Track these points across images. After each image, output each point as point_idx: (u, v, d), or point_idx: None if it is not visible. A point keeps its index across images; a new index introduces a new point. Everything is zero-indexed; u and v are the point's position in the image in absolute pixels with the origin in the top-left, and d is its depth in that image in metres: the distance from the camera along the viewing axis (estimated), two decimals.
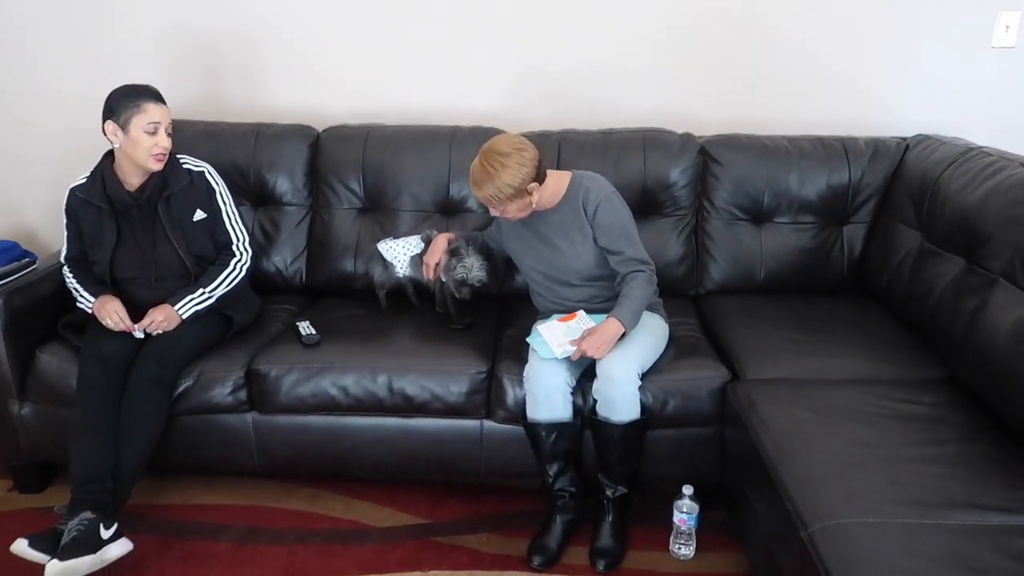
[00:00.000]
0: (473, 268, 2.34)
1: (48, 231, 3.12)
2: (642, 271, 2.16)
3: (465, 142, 2.68)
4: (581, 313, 2.20)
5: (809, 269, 2.67)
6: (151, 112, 2.20)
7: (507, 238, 2.37)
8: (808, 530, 1.48)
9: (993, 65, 2.80)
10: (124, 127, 2.18)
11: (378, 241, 2.56)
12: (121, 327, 2.19)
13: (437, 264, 2.37)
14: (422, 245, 2.47)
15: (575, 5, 2.81)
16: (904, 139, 2.71)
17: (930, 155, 2.51)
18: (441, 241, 2.41)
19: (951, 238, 2.24)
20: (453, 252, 2.36)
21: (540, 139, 2.68)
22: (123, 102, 2.18)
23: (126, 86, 2.23)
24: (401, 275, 2.49)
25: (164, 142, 2.22)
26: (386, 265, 2.50)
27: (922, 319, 2.28)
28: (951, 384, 2.03)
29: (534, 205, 2.15)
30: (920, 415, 1.86)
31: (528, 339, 2.18)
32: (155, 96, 2.23)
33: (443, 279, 2.39)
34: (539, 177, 2.11)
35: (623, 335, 2.08)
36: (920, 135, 2.70)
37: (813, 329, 2.35)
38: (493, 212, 2.18)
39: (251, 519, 2.29)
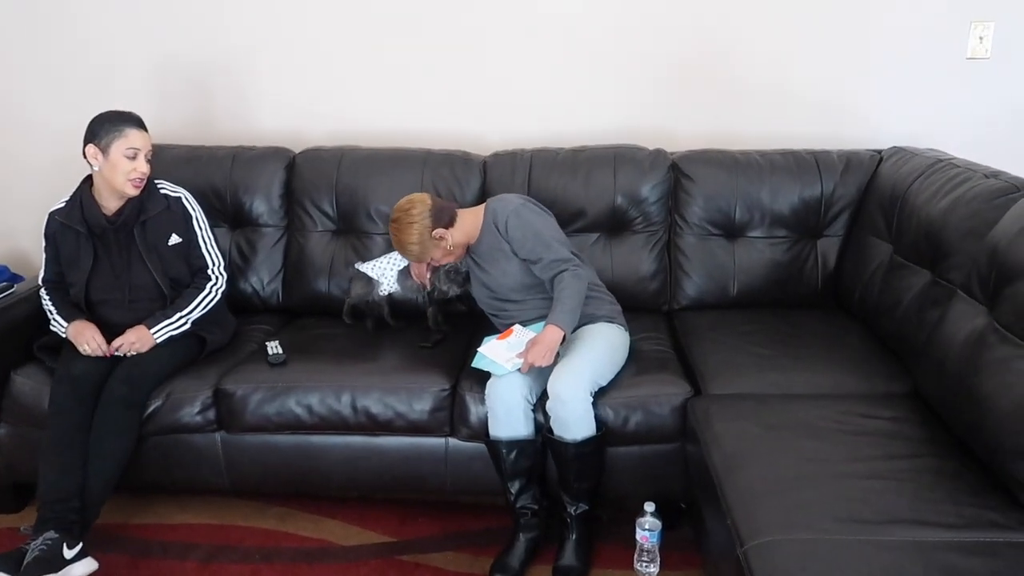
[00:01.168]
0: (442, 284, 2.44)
1: (39, 255, 3.18)
2: (566, 270, 2.18)
3: (438, 166, 2.71)
4: (517, 327, 2.22)
5: (783, 283, 2.66)
6: (132, 138, 2.25)
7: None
8: (743, 547, 1.47)
9: (968, 76, 2.78)
10: (104, 151, 2.24)
11: (354, 264, 2.58)
12: (99, 352, 2.24)
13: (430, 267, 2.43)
14: (403, 262, 2.50)
15: (547, 24, 2.84)
16: (879, 152, 2.70)
17: (901, 167, 2.50)
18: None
19: (918, 250, 2.22)
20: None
21: (512, 158, 2.73)
22: (105, 127, 2.25)
23: (110, 112, 2.29)
24: (386, 292, 2.52)
25: (143, 168, 2.28)
26: (369, 283, 2.53)
27: (890, 332, 2.27)
28: (913, 398, 2.01)
29: (452, 247, 2.27)
30: (876, 430, 1.84)
31: (473, 364, 2.20)
32: (137, 123, 2.29)
33: (437, 284, 2.47)
34: (443, 223, 2.23)
35: (564, 337, 2.10)
36: (895, 147, 2.68)
37: (782, 343, 2.34)
38: (414, 271, 2.38)
39: (220, 538, 2.31)
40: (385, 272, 2.52)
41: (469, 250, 2.36)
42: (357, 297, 2.57)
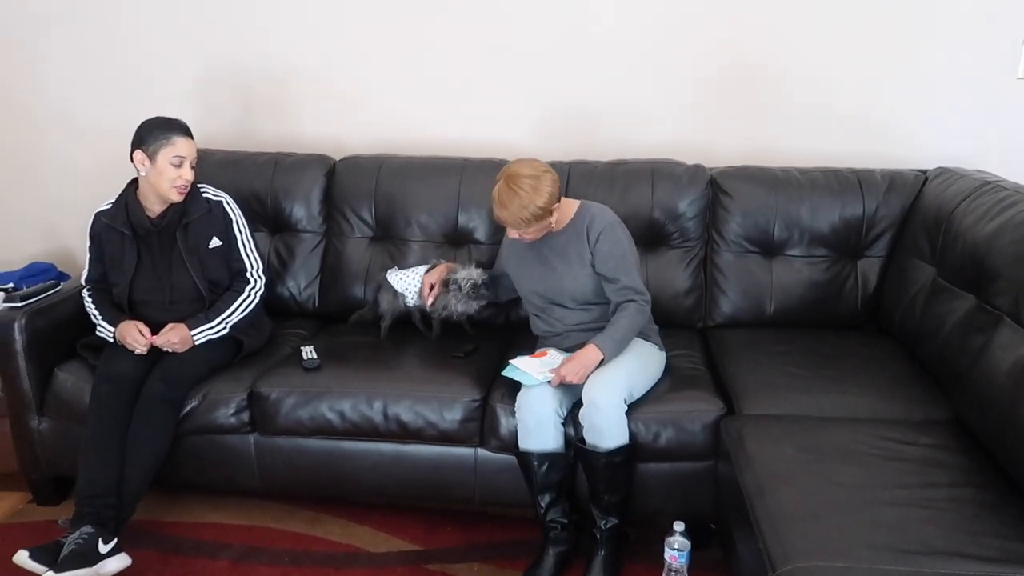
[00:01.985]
0: (472, 272, 2.39)
1: (84, 255, 3.26)
2: (634, 300, 2.17)
3: (475, 174, 2.72)
4: (552, 351, 2.22)
5: (821, 303, 2.62)
6: (179, 146, 2.30)
7: (510, 262, 2.40)
8: (775, 572, 1.44)
9: (1018, 96, 2.72)
10: (152, 157, 2.29)
11: (386, 271, 2.59)
12: (145, 345, 2.28)
13: (432, 288, 2.43)
14: None
15: (587, 36, 2.84)
16: (924, 172, 2.65)
17: (947, 188, 2.45)
18: (439, 270, 2.46)
19: (963, 274, 2.17)
20: (444, 284, 2.41)
21: (553, 169, 2.72)
22: (154, 133, 2.30)
23: (158, 118, 2.34)
24: (411, 304, 2.53)
25: (188, 175, 2.32)
26: (396, 295, 2.54)
27: (931, 357, 2.22)
28: (954, 425, 1.96)
29: (553, 226, 2.20)
30: (915, 456, 1.80)
31: (504, 372, 2.20)
32: (184, 131, 2.34)
33: (439, 314, 2.47)
34: (558, 199, 2.17)
35: (602, 362, 2.09)
36: (940, 168, 2.63)
37: (818, 364, 2.30)
38: (512, 234, 2.22)
39: (251, 539, 2.33)
40: (409, 286, 2.50)
41: (541, 238, 2.26)
42: (389, 307, 2.56)
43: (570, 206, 2.28)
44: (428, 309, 2.48)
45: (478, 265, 2.47)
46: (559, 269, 2.27)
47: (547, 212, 2.13)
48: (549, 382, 2.11)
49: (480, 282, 2.38)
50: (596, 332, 2.16)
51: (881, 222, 2.60)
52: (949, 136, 2.77)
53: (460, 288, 2.37)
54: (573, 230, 2.26)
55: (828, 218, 2.60)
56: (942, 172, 2.58)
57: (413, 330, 2.59)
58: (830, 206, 2.60)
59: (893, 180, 2.62)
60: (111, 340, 2.35)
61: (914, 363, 2.29)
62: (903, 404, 2.09)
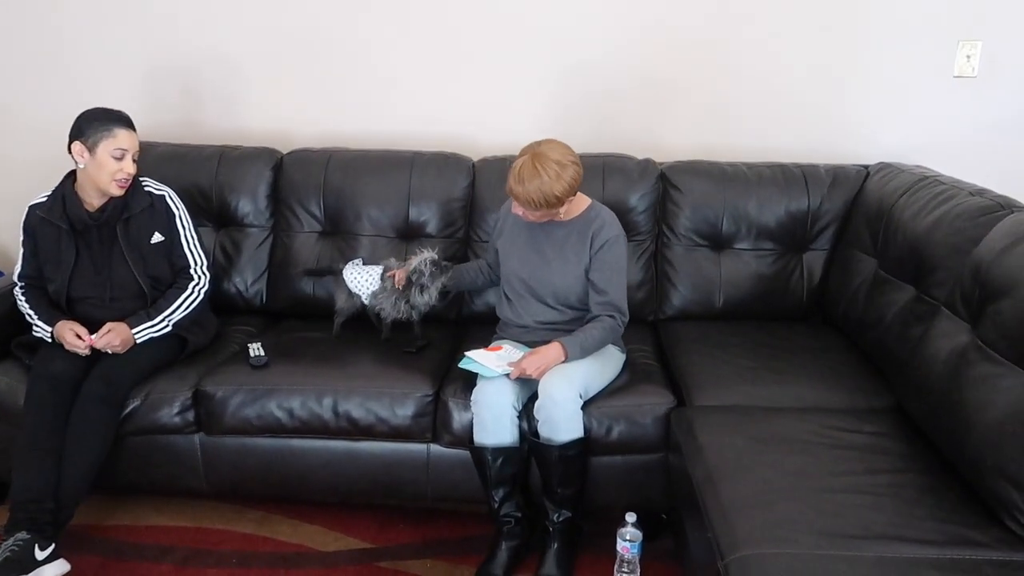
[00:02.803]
0: (428, 257, 2.33)
1: (18, 251, 3.15)
2: (612, 317, 2.17)
3: (426, 168, 2.70)
4: (507, 345, 2.22)
5: (769, 295, 2.66)
6: (121, 139, 2.22)
7: (503, 233, 2.35)
8: (724, 560, 1.46)
9: (955, 94, 2.81)
10: (92, 149, 2.21)
11: (344, 265, 2.52)
12: (83, 346, 2.20)
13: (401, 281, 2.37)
14: (378, 282, 2.42)
15: (538, 32, 2.84)
16: (866, 167, 2.71)
17: (888, 183, 2.51)
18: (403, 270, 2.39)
19: (903, 266, 2.23)
20: (408, 283, 2.35)
21: (502, 163, 2.71)
22: (94, 125, 2.21)
23: (98, 109, 2.26)
24: (365, 302, 2.47)
25: (129, 168, 2.25)
26: (351, 294, 2.48)
27: (874, 347, 2.27)
28: (896, 413, 2.01)
29: (561, 216, 2.18)
30: (859, 444, 1.84)
31: (460, 364, 2.19)
32: (126, 123, 2.26)
33: (396, 315, 2.40)
34: (576, 191, 2.15)
35: (563, 361, 2.09)
36: (882, 163, 2.70)
37: (766, 356, 2.34)
38: (516, 209, 2.17)
39: (197, 541, 2.28)
40: (361, 287, 2.44)
41: (543, 223, 2.22)
42: (345, 304, 2.50)
43: (581, 201, 2.24)
44: (379, 311, 2.43)
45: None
46: (552, 263, 2.24)
47: (560, 202, 2.10)
48: (507, 375, 2.09)
49: (437, 257, 2.33)
50: (562, 334, 2.15)
51: (825, 216, 2.65)
52: (890, 132, 2.85)
53: (423, 273, 2.31)
54: (577, 227, 2.23)
55: (775, 212, 2.65)
56: (883, 167, 2.64)
57: (364, 326, 2.54)
58: (776, 200, 2.65)
59: (837, 175, 2.67)
60: (48, 340, 2.27)
61: (857, 353, 2.35)
62: (847, 393, 2.14)
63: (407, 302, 2.37)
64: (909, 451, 1.82)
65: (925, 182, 2.33)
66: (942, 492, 1.65)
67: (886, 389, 2.13)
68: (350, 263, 2.52)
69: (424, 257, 2.33)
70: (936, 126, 2.84)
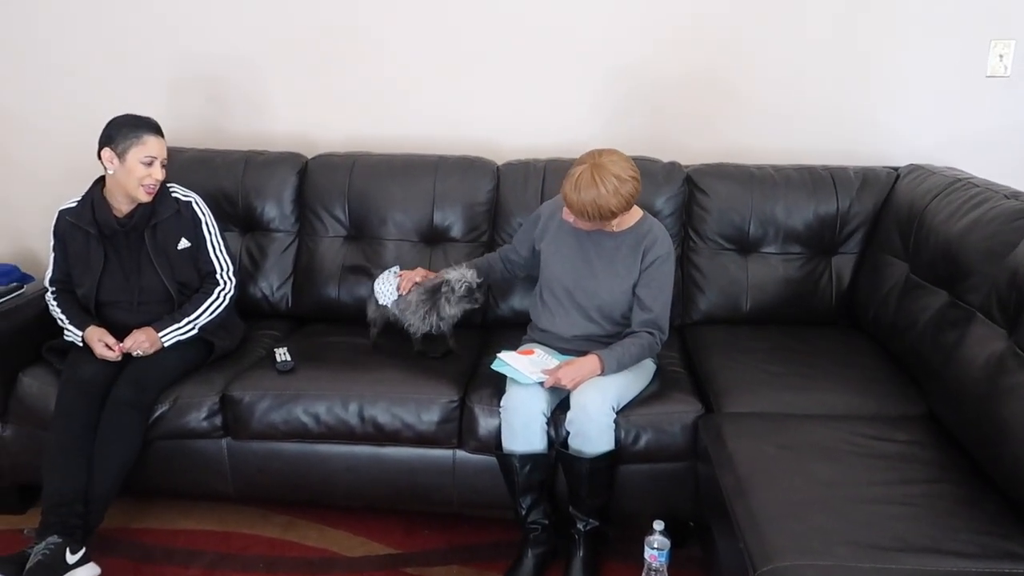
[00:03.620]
0: (466, 275, 2.26)
1: (48, 256, 3.18)
2: (652, 334, 2.15)
3: (450, 172, 2.70)
4: (538, 349, 2.20)
5: (797, 300, 2.63)
6: (150, 145, 2.24)
7: (545, 236, 2.29)
8: (756, 571, 1.44)
9: (988, 95, 2.76)
10: (121, 156, 2.23)
11: (380, 273, 2.45)
12: (112, 354, 2.22)
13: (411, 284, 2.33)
14: (396, 292, 2.36)
15: (561, 35, 2.83)
16: (896, 169, 2.67)
17: (919, 185, 2.47)
18: (419, 271, 2.38)
19: (935, 270, 2.19)
20: (434, 290, 2.28)
21: (526, 167, 2.72)
22: (123, 131, 2.23)
23: (128, 116, 2.28)
24: (390, 308, 2.41)
25: (157, 174, 2.27)
26: (378, 304, 2.43)
27: (906, 353, 2.24)
28: (929, 421, 1.98)
29: (613, 227, 2.15)
30: (891, 453, 1.81)
31: (493, 366, 2.16)
32: (155, 129, 2.28)
33: (424, 330, 2.33)
34: (631, 208, 2.12)
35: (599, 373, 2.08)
36: (912, 165, 2.66)
37: (795, 362, 2.31)
38: (567, 216, 2.13)
39: (224, 545, 2.29)
40: (384, 296, 2.38)
41: (592, 232, 2.17)
42: (372, 314, 2.46)
43: (633, 212, 2.18)
44: (407, 327, 2.36)
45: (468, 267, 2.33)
46: (600, 275, 2.20)
47: (614, 216, 2.07)
48: (541, 383, 2.08)
49: (475, 285, 2.26)
50: (598, 347, 2.13)
51: (854, 219, 2.62)
52: (920, 134, 2.80)
53: (453, 291, 2.25)
54: (628, 240, 2.18)
55: (803, 215, 2.62)
56: (914, 169, 2.60)
57: (393, 333, 2.48)
58: (804, 203, 2.62)
59: (866, 177, 2.64)
60: (79, 344, 2.29)
61: (889, 359, 2.31)
62: (878, 400, 2.10)
63: (438, 314, 2.30)
64: (943, 460, 1.79)
65: (958, 184, 2.29)
66: (979, 503, 1.62)
67: (918, 396, 2.09)
68: (385, 271, 2.44)
69: (463, 277, 2.26)
70: (968, 127, 2.79)
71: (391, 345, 2.46)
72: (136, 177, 2.23)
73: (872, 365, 2.29)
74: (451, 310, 2.30)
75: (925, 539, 1.49)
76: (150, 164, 2.24)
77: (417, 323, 2.33)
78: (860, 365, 2.29)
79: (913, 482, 1.69)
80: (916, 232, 2.33)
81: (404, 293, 2.34)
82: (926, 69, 2.76)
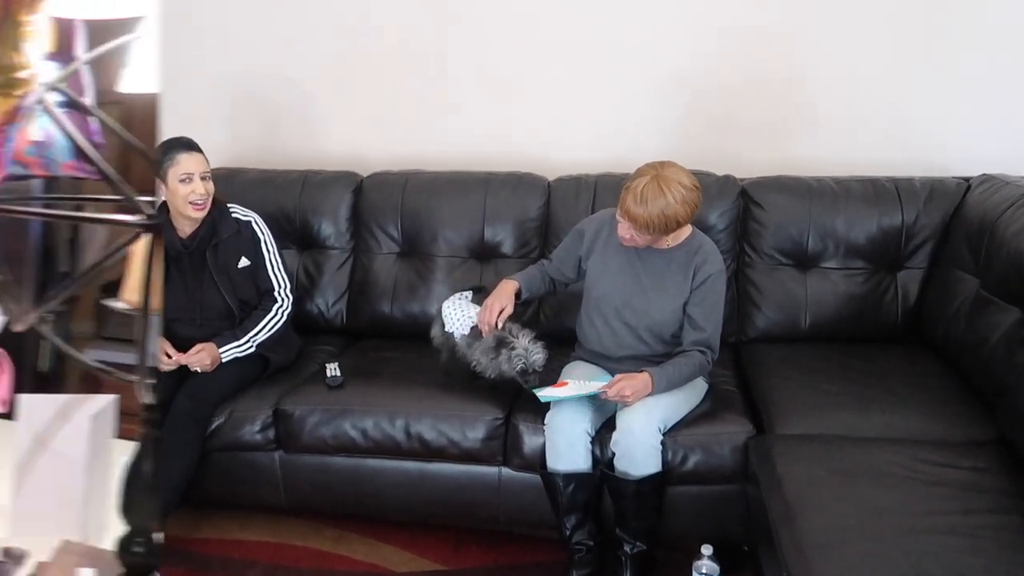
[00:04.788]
0: (531, 352, 2.13)
1: None
2: (703, 353, 2.11)
3: (500, 188, 2.71)
4: (572, 382, 2.14)
5: (859, 317, 2.52)
6: (183, 163, 2.32)
7: (592, 253, 2.22)
8: None
9: None
10: (164, 180, 2.32)
11: (444, 299, 2.38)
12: (170, 363, 2.31)
13: (501, 313, 2.17)
14: (470, 326, 2.27)
15: (613, 48, 2.81)
16: (966, 179, 2.54)
17: (991, 196, 2.35)
18: (507, 288, 2.23)
19: (1008, 285, 2.07)
20: (500, 342, 2.16)
21: (577, 182, 2.71)
22: (161, 157, 2.31)
23: (164, 141, 2.34)
24: (457, 339, 2.32)
25: (200, 189, 2.32)
26: (444, 328, 2.35)
27: (975, 372, 2.12)
28: (998, 446, 1.86)
29: (667, 243, 2.12)
30: (954, 480, 1.71)
31: (542, 397, 2.09)
32: (187, 146, 2.35)
33: (490, 374, 2.20)
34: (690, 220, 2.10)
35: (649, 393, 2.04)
36: (984, 175, 2.52)
37: (854, 381, 2.22)
38: (622, 231, 2.07)
39: (277, 556, 2.34)
40: (455, 324, 2.31)
41: (641, 249, 2.14)
42: (438, 340, 2.40)
43: (684, 229, 2.13)
44: (474, 365, 2.25)
45: (538, 338, 2.19)
46: (650, 294, 2.14)
47: (678, 226, 2.04)
48: (597, 396, 2.05)
49: (531, 370, 2.13)
50: (646, 366, 2.09)
51: (921, 232, 2.50)
52: (991, 142, 2.66)
53: (510, 359, 2.13)
54: (679, 257, 2.14)
55: (865, 228, 2.52)
56: (986, 179, 2.47)
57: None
58: (867, 216, 2.52)
59: (934, 188, 2.52)
60: None
61: (957, 379, 2.19)
62: (944, 423, 2.00)
63: (508, 361, 2.14)
64: (1013, 489, 1.68)
65: None
66: None
67: (988, 419, 1.98)
68: (455, 294, 2.36)
69: (525, 354, 2.13)
70: None
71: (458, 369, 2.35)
72: (180, 196, 2.32)
73: (938, 385, 2.18)
74: (505, 367, 2.17)
75: (986, 574, 1.40)
76: (188, 180, 2.31)
77: (486, 363, 2.21)
78: (925, 386, 2.18)
79: (976, 512, 1.59)
80: (987, 245, 2.21)
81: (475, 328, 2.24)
82: (995, 76, 2.62)
